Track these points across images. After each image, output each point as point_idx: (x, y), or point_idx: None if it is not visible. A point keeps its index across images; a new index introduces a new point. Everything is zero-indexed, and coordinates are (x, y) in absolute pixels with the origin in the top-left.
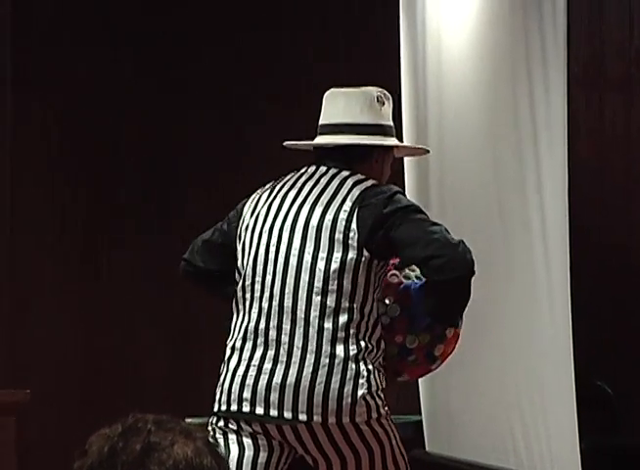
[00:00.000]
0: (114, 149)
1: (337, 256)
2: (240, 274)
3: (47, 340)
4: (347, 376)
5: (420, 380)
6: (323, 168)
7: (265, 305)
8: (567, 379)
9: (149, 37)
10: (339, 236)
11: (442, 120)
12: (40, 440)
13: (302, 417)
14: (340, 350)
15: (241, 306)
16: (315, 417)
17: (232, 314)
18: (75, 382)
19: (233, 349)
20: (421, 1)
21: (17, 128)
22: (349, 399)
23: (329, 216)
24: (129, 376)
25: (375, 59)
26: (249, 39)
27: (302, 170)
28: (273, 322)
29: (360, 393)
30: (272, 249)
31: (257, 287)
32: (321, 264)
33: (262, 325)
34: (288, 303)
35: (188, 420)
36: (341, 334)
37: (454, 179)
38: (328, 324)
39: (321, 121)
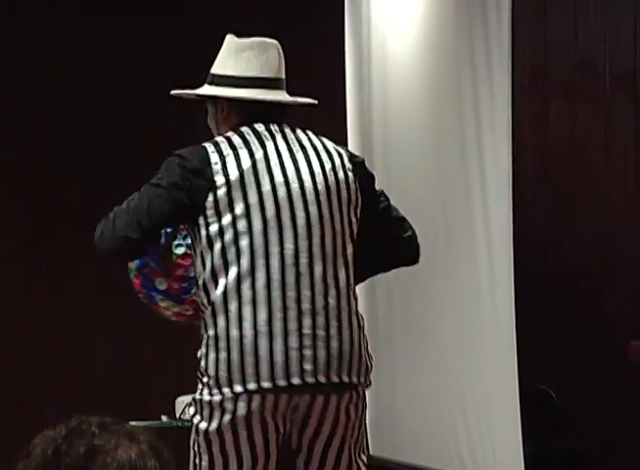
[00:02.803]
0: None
1: (350, 217)
2: (224, 240)
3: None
4: (363, 336)
5: None
6: (280, 127)
7: (291, 269)
8: (510, 382)
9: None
10: (347, 195)
11: (387, 122)
12: None
13: (356, 380)
14: (356, 309)
15: (232, 272)
16: (361, 379)
17: (215, 279)
18: (17, 381)
19: (256, 319)
20: (366, 5)
21: None
22: (369, 362)
23: (331, 178)
24: (73, 376)
25: (319, 60)
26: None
27: (257, 128)
28: (309, 289)
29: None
30: (286, 213)
31: (275, 252)
32: (338, 226)
33: (293, 293)
34: (318, 269)
35: (132, 423)
36: (352, 293)
37: (398, 181)
38: (348, 285)
39: (248, 72)
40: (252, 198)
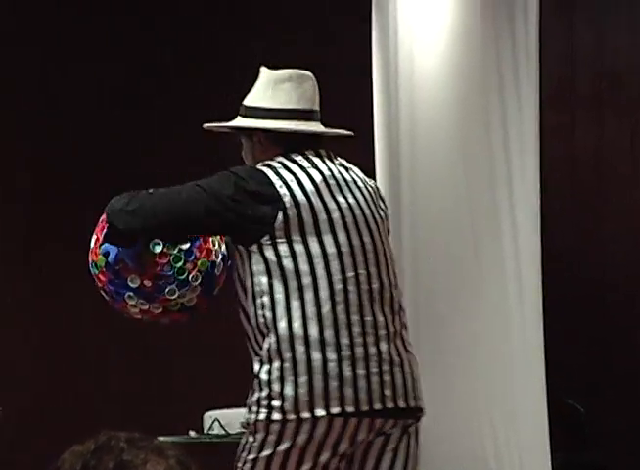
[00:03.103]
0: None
1: (389, 244)
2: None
3: (11, 356)
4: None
5: None
6: (326, 153)
7: (366, 295)
8: (538, 395)
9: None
10: (384, 223)
11: (414, 134)
12: (8, 457)
13: (421, 404)
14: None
15: (309, 296)
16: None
17: (288, 302)
18: (43, 398)
19: (337, 345)
20: (393, 18)
21: None
22: None
23: (375, 207)
24: (101, 393)
25: (346, 75)
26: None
27: (311, 155)
28: (382, 314)
29: None
30: (355, 238)
31: (351, 276)
32: (389, 250)
33: (370, 318)
34: (387, 295)
35: (161, 438)
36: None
37: (425, 193)
38: (404, 312)
39: (286, 104)
40: (323, 222)
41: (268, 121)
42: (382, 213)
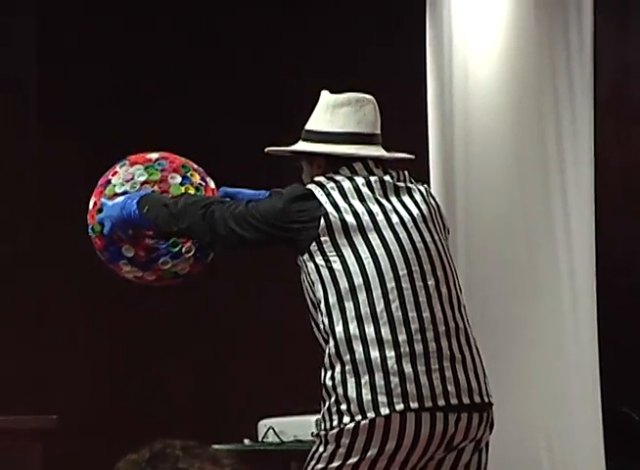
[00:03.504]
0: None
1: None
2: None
3: (74, 365)
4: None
5: None
6: (393, 175)
7: (422, 291)
8: (593, 405)
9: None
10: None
11: (468, 142)
12: (67, 466)
13: (488, 399)
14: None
15: (361, 296)
16: (492, 398)
17: (342, 304)
18: (102, 407)
19: (397, 342)
20: (447, 28)
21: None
22: None
23: (431, 210)
24: (157, 401)
25: (400, 85)
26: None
27: (373, 174)
28: (441, 311)
29: None
30: (404, 238)
31: (404, 274)
32: (447, 250)
33: (428, 314)
34: (444, 291)
35: (215, 447)
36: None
37: (479, 201)
38: (464, 308)
39: (345, 128)
40: (368, 223)
41: (328, 146)
42: (435, 215)
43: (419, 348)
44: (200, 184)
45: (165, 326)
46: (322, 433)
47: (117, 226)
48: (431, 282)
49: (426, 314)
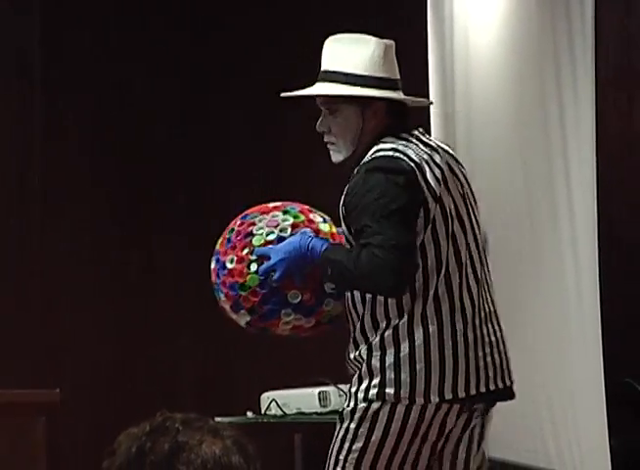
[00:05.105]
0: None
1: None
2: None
3: (77, 338)
4: None
5: None
6: (427, 135)
7: (472, 277)
8: (596, 377)
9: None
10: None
11: (470, 118)
12: (70, 440)
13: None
14: None
15: (443, 280)
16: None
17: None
18: (106, 381)
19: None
20: (449, 1)
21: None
22: None
23: (470, 191)
24: (161, 375)
25: (401, 56)
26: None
27: (419, 137)
28: (484, 296)
29: None
30: (467, 224)
31: (464, 261)
32: (482, 243)
33: (477, 301)
34: (483, 276)
35: (218, 419)
36: None
37: (482, 178)
38: (490, 289)
39: (387, 74)
40: (449, 211)
41: (388, 92)
42: (472, 193)
43: (472, 336)
44: (330, 220)
45: (175, 295)
46: (359, 409)
47: (294, 267)
48: (477, 266)
49: (476, 301)
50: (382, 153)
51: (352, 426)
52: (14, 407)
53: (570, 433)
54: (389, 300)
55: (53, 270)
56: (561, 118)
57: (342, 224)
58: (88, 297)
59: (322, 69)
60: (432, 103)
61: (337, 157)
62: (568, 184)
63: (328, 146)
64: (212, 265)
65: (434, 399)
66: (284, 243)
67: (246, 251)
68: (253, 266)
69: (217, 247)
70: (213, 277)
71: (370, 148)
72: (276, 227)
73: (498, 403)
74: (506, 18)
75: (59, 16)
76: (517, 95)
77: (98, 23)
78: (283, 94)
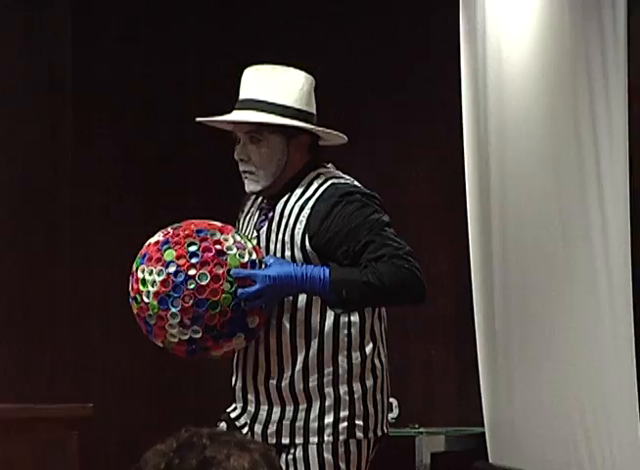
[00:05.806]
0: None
1: None
2: None
3: (110, 353)
4: None
5: (483, 392)
6: None
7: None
8: (629, 388)
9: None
10: None
11: (503, 131)
12: (103, 454)
13: None
14: None
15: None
16: None
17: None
18: (138, 396)
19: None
20: (481, 12)
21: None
22: None
23: None
24: (192, 390)
25: (433, 69)
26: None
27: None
28: None
29: None
30: None
31: None
32: None
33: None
34: None
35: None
36: None
37: (515, 190)
38: None
39: (312, 109)
40: None
41: (317, 127)
42: None
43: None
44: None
45: None
46: (330, 442)
47: (278, 296)
48: None
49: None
50: (342, 180)
51: (327, 456)
52: (47, 422)
53: (603, 444)
54: (360, 336)
55: (83, 286)
56: (594, 131)
57: (305, 247)
58: (119, 312)
59: (244, 97)
60: (346, 141)
61: (253, 186)
62: (601, 195)
63: (244, 175)
64: (162, 276)
65: (379, 432)
66: (271, 269)
67: (221, 270)
68: (227, 286)
69: (171, 257)
70: (162, 286)
71: (296, 181)
72: (244, 250)
73: (531, 417)
74: (539, 30)
75: (90, 31)
76: (550, 108)
77: (130, 38)
78: (202, 119)
